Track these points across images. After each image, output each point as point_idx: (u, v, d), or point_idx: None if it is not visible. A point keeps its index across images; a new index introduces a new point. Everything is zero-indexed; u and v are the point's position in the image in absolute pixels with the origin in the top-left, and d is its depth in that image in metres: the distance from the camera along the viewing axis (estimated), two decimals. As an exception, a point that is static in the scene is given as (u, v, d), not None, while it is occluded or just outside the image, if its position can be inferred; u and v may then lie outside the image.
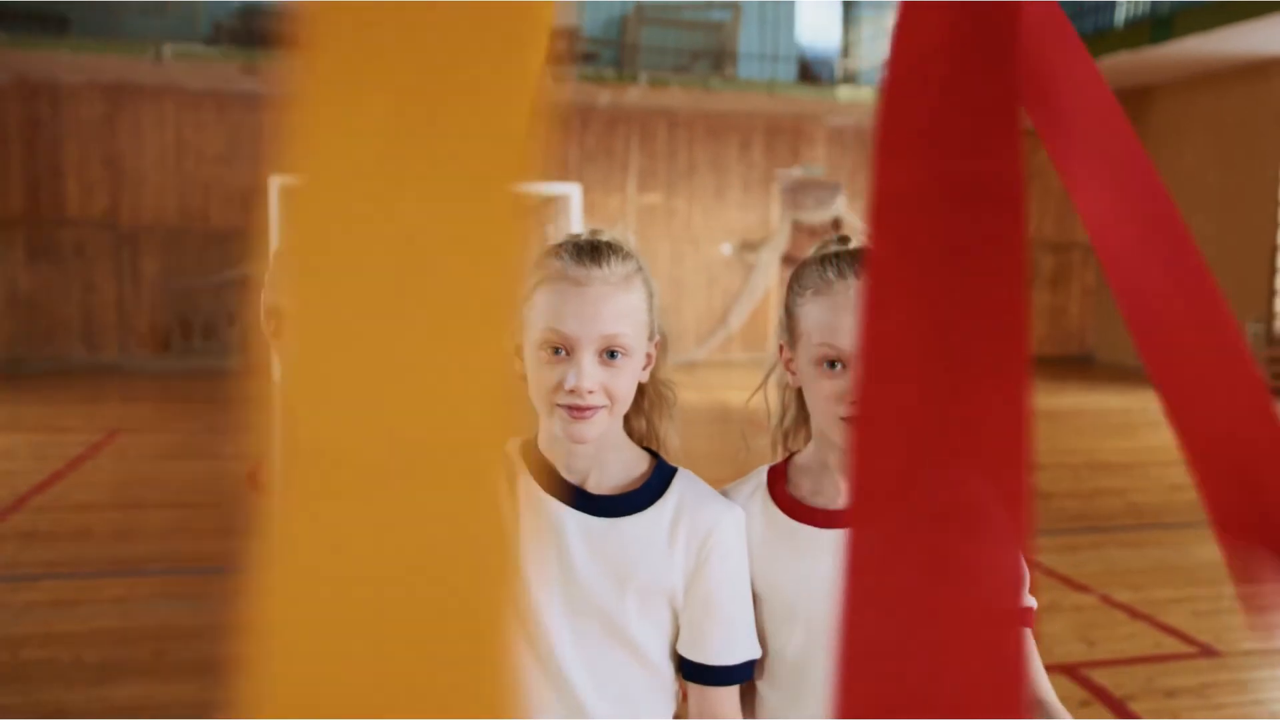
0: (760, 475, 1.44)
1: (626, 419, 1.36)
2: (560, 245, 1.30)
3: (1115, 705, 3.62)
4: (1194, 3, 11.49)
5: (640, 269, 1.31)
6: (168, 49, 11.35)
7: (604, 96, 13.13)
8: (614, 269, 1.28)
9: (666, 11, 13.75)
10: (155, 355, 13.03)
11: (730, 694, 1.35)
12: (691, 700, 1.36)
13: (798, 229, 14.51)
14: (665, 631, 1.34)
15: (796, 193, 14.65)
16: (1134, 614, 4.57)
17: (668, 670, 1.35)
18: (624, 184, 14.06)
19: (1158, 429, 9.55)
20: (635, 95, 13.07)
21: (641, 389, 1.35)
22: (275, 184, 12.02)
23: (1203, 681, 3.85)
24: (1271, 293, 12.39)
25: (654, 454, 1.39)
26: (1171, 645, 4.22)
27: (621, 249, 1.30)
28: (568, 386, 1.24)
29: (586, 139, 13.85)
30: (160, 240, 12.97)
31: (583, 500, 1.31)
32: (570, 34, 13.13)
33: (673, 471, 1.36)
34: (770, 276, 14.38)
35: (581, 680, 1.29)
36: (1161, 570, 5.22)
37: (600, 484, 1.33)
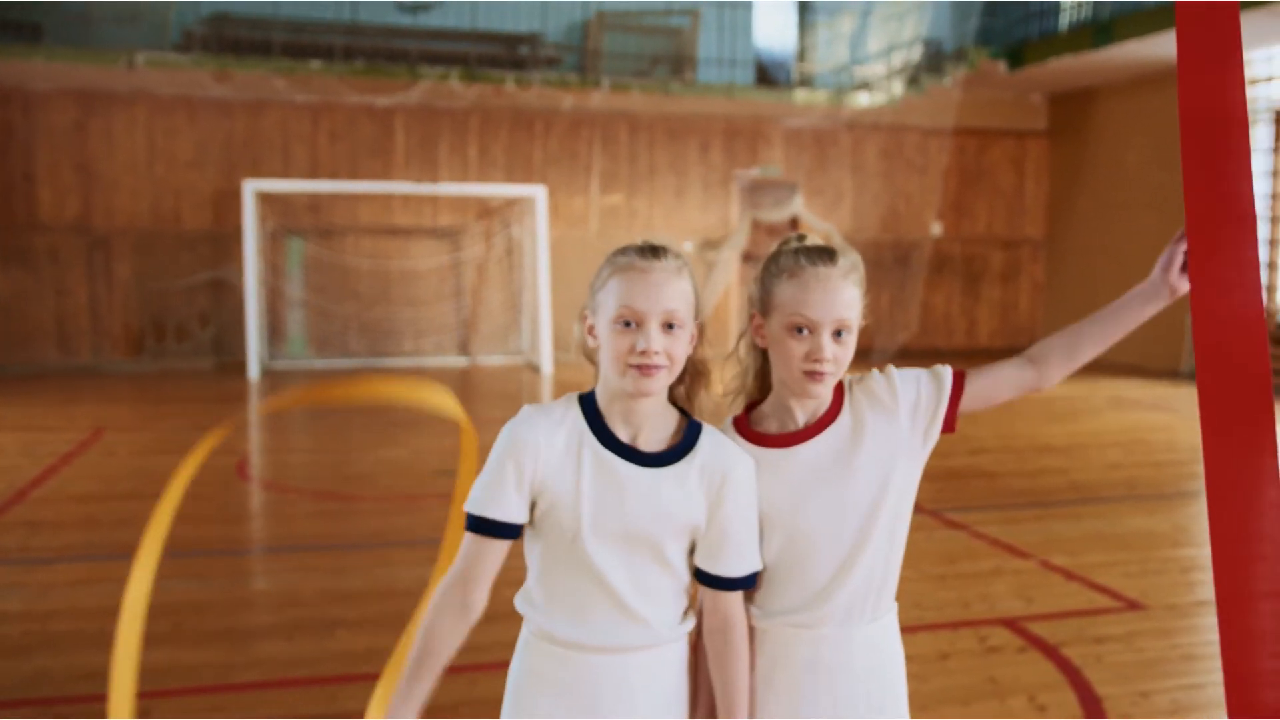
0: (728, 423, 1.85)
1: (675, 391, 1.74)
2: (626, 247, 1.69)
3: (1049, 650, 4.04)
4: (1133, 8, 12.02)
5: (686, 264, 1.71)
6: (140, 57, 11.59)
7: (567, 101, 13.48)
8: (669, 262, 1.67)
9: (627, 18, 14.12)
10: (129, 357, 13.24)
11: (737, 597, 1.74)
12: (706, 601, 1.74)
13: (756, 227, 14.93)
14: (685, 547, 1.72)
15: (755, 192, 15.08)
16: (1069, 576, 5.01)
17: (685, 575, 1.73)
18: (587, 185, 14.42)
19: (1099, 415, 10.05)
20: (598, 99, 13.44)
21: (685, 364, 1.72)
22: (248, 188, 12.31)
23: (1128, 630, 4.28)
24: (1210, 285, 12.93)
25: (683, 412, 1.76)
26: (1102, 601, 4.65)
27: (672, 249, 1.70)
28: (639, 349, 1.62)
29: (550, 142, 14.19)
30: (132, 244, 13.18)
31: (635, 456, 1.69)
32: (534, 40, 13.48)
33: (699, 428, 1.74)
34: (730, 273, 14.79)
35: (626, 588, 1.68)
36: (1096, 539, 5.67)
37: (649, 441, 1.70)
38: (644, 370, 1.62)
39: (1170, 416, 10.02)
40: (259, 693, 3.65)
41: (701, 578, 1.72)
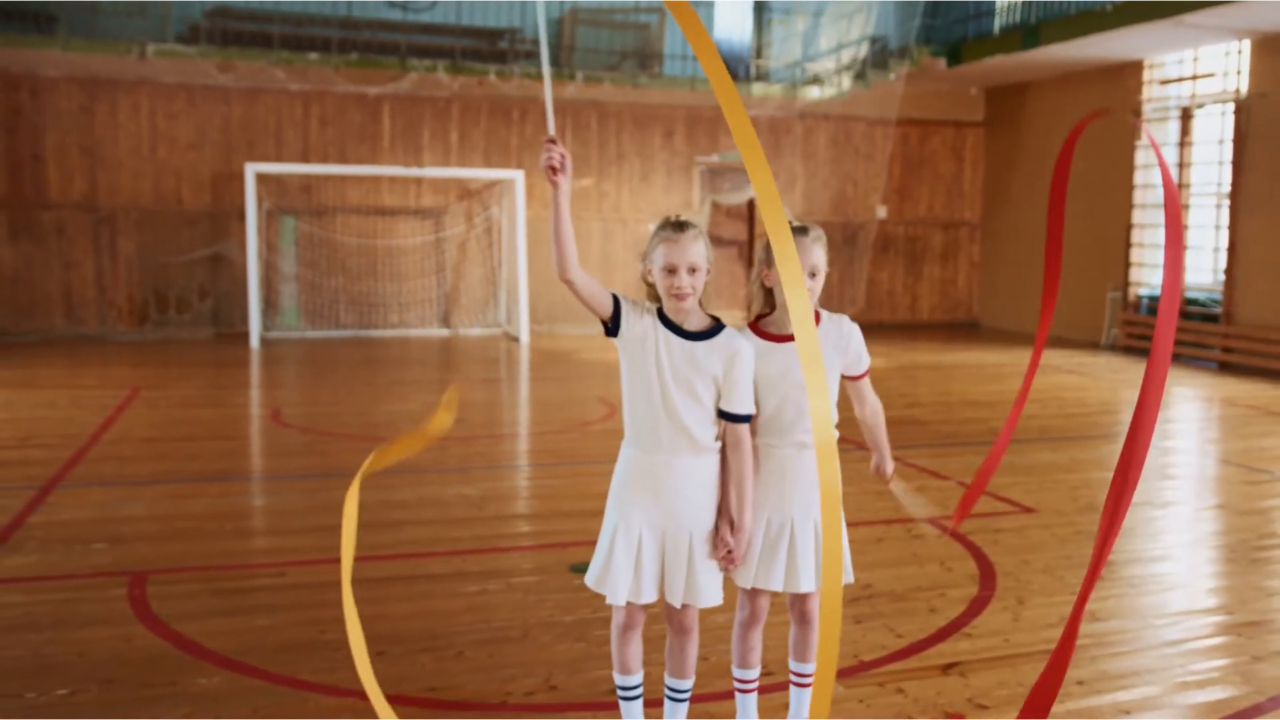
0: (745, 325, 3.02)
1: (700, 302, 2.89)
2: (665, 222, 2.84)
3: (959, 537, 5.27)
4: (1057, 14, 13.33)
5: (701, 232, 2.86)
6: (151, 48, 12.53)
7: (544, 91, 14.51)
8: (690, 232, 2.83)
9: (598, 14, 15.21)
10: (132, 327, 14.18)
11: (744, 428, 2.89)
12: (726, 430, 2.89)
13: (716, 209, 16.13)
14: (713, 393, 2.87)
15: (714, 177, 16.26)
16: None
17: (712, 409, 2.88)
18: (560, 169, 15.48)
19: (1022, 377, 11.34)
20: (571, 90, 14.52)
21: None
22: (250, 170, 13.28)
23: (1021, 525, 5.53)
24: (1128, 265, 14.32)
25: (716, 319, 2.91)
26: (1004, 508, 5.90)
27: (692, 223, 2.85)
28: (676, 285, 2.78)
29: (526, 129, 15.26)
30: (136, 221, 14.10)
31: (682, 333, 2.85)
32: (512, 35, 14.53)
33: (724, 326, 2.90)
34: (692, 253, 15.93)
35: (683, 412, 2.83)
36: (1006, 467, 6.92)
37: (689, 326, 2.86)
38: (679, 297, 2.81)
39: (1085, 380, 11.34)
40: (359, 564, 4.78)
41: (721, 414, 2.88)
